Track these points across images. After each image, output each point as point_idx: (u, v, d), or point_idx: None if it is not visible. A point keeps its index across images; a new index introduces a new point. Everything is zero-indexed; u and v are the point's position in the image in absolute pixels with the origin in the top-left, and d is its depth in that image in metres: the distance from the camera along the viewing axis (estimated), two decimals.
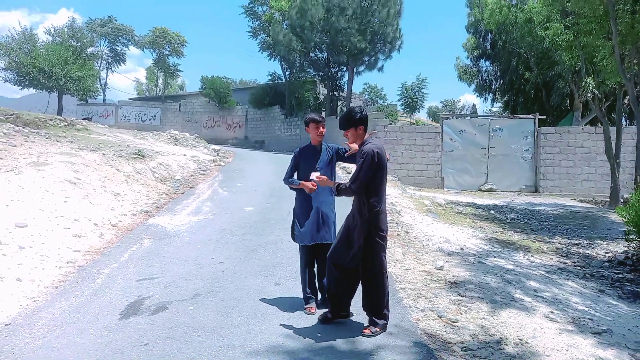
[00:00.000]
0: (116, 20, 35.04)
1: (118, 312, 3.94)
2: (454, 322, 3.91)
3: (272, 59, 28.76)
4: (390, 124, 16.90)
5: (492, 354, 3.38)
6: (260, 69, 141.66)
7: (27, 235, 5.64)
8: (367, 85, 45.22)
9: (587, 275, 5.92)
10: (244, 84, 48.53)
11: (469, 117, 17.68)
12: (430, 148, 15.22)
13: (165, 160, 13.11)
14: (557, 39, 12.48)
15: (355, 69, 24.30)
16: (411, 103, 33.72)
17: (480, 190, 14.82)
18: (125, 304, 4.13)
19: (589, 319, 4.22)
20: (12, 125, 12.99)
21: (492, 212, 10.59)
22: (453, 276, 5.22)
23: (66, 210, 6.81)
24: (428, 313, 4.09)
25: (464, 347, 3.48)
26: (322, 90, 28.89)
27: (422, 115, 45.34)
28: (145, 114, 35.22)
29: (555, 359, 3.29)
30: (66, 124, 15.83)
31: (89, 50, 32.56)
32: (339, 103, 28.16)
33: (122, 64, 37.19)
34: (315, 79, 28.45)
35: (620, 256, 6.74)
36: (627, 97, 10.93)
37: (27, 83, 28.94)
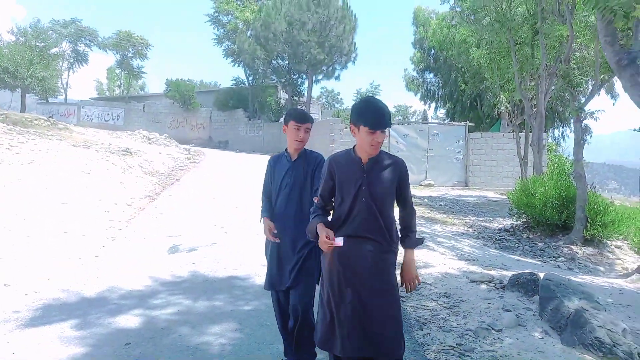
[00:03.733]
0: (80, 22, 35.63)
1: (165, 252, 5.96)
2: None
3: (237, 65, 30.57)
4: (346, 128, 19.26)
5: None
6: (223, 72, 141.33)
7: (73, 209, 7.47)
8: (325, 90, 47.79)
9: (480, 237, 8.46)
10: (205, 86, 49.79)
11: (412, 123, 20.38)
12: None
13: (149, 157, 14.83)
14: (481, 61, 15.26)
15: (314, 77, 26.61)
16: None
17: (421, 185, 17.44)
18: (167, 247, 6.16)
19: (467, 255, 6.65)
20: (4, 124, 14.31)
21: (425, 200, 13.15)
22: None
23: (90, 194, 8.63)
24: None
25: None
26: (284, 95, 30.98)
27: None
28: (108, 114, 35.92)
29: (437, 267, 5.65)
30: (49, 123, 17.13)
31: (53, 50, 33.09)
32: (299, 108, 30.41)
33: (84, 64, 37.65)
34: (277, 85, 30.48)
35: (508, 226, 9.37)
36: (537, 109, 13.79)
37: None
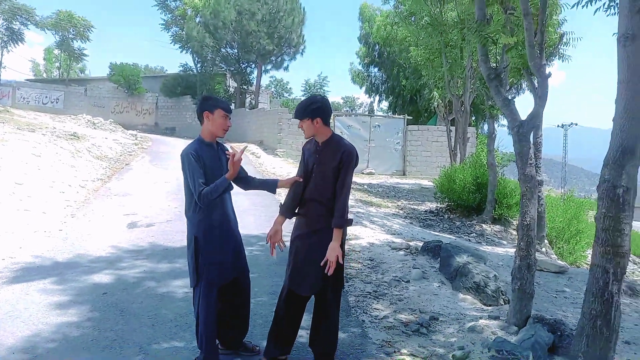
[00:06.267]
0: None
1: (125, 227, 6.55)
2: None
3: (185, 51, 30.39)
4: (293, 118, 20.06)
5: None
6: (170, 57, 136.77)
7: (30, 189, 7.80)
8: (274, 79, 48.13)
9: (408, 217, 9.61)
10: (150, 71, 48.63)
11: (354, 115, 21.52)
12: None
13: (96, 142, 14.91)
14: (418, 59, 16.51)
15: (263, 67, 27.11)
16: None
17: (362, 173, 18.62)
18: (126, 224, 6.74)
19: (394, 230, 7.73)
20: None
21: (365, 186, 14.27)
22: None
23: (43, 175, 8.91)
24: None
25: None
26: (232, 84, 31.21)
27: None
28: (47, 97, 34.44)
29: (366, 239, 6.65)
30: None
31: None
32: (247, 96, 30.78)
33: (19, 43, 35.73)
34: (225, 73, 30.65)
35: (433, 209, 10.62)
36: (463, 106, 15.22)
37: None
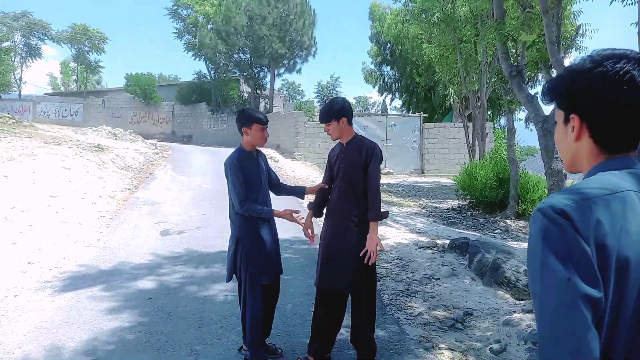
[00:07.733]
0: (31, 15, 34.67)
1: (158, 235, 6.78)
2: None
3: (198, 58, 30.82)
4: (308, 121, 20.23)
5: None
6: (183, 65, 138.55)
7: (64, 202, 8.10)
8: (286, 82, 48.47)
9: (431, 215, 9.69)
10: (165, 80, 49.34)
11: (372, 115, 21.60)
12: None
13: (120, 153, 15.28)
14: (432, 56, 16.53)
15: (276, 71, 27.36)
16: (327, 100, 37.50)
17: (381, 173, 18.67)
18: (159, 231, 6.97)
19: (419, 229, 7.82)
20: None
21: (385, 186, 14.35)
22: None
23: (74, 187, 9.22)
24: None
25: None
26: (246, 89, 31.52)
27: None
28: (66, 110, 35.26)
29: (392, 238, 6.77)
30: (14, 121, 17.20)
31: (4, 44, 32.20)
32: (262, 100, 31.06)
33: (37, 58, 36.70)
34: (239, 78, 30.97)
35: (455, 206, 10.66)
36: (480, 101, 15.20)
37: None
